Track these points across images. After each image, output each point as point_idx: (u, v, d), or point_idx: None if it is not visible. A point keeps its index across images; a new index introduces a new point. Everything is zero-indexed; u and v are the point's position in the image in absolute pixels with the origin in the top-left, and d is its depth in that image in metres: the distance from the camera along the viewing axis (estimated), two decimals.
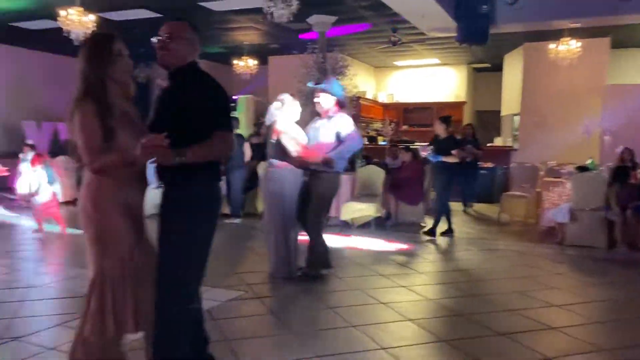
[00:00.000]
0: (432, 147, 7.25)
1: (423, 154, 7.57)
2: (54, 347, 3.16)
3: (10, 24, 10.77)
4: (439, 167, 7.16)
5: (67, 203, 9.65)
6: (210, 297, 4.16)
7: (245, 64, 12.77)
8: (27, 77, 13.19)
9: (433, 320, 3.88)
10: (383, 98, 15.20)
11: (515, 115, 12.61)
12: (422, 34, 10.40)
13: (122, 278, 2.45)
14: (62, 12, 8.40)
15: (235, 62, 12.77)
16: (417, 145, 12.24)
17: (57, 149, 12.29)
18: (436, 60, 14.26)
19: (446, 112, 14.49)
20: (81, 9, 8.54)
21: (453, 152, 7.01)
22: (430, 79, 14.92)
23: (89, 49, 2.48)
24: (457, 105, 14.51)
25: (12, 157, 11.27)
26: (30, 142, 9.97)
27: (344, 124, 4.78)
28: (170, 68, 2.56)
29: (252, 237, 7.18)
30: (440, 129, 7.26)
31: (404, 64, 14.78)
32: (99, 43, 2.50)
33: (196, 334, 2.68)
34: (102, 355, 2.44)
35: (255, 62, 12.85)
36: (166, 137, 2.20)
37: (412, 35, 10.95)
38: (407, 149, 8.74)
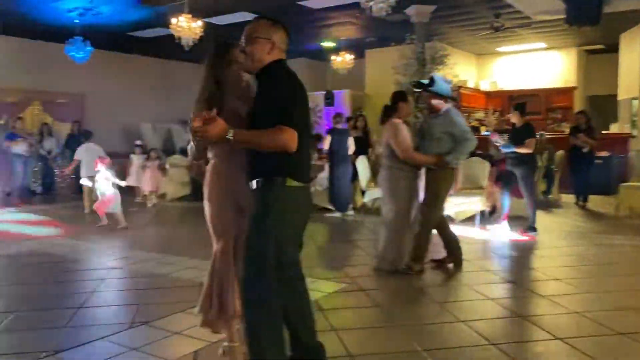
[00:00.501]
0: (505, 136, 6.84)
1: (493, 140, 7.02)
2: (180, 331, 3.43)
3: (127, 33, 11.71)
4: (518, 158, 6.64)
5: (180, 199, 10.35)
6: (316, 288, 4.30)
7: (343, 59, 12.89)
8: (143, 83, 14.25)
9: (545, 317, 3.72)
10: (485, 86, 14.66)
11: (634, 99, 11.61)
12: (527, 17, 9.91)
13: (228, 263, 2.75)
14: (173, 20, 9.01)
15: (332, 57, 12.94)
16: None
17: (170, 148, 13.19)
18: (542, 45, 13.50)
19: (555, 98, 13.76)
20: (189, 15, 9.10)
21: (526, 141, 6.50)
22: (536, 65, 14.16)
23: (209, 56, 2.81)
24: (566, 91, 13.65)
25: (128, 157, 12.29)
26: (138, 142, 10.79)
27: (456, 121, 4.73)
28: (253, 71, 2.58)
29: (355, 231, 7.28)
30: (515, 117, 6.81)
31: (508, 50, 14.14)
32: (217, 50, 2.81)
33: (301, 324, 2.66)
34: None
35: (352, 56, 12.93)
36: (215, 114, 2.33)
37: (516, 20, 10.46)
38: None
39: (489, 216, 7.67)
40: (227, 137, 2.34)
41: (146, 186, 9.88)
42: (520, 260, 5.52)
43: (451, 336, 3.37)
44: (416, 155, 4.79)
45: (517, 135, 6.68)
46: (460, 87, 12.52)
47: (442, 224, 5.10)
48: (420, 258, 4.89)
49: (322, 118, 13.91)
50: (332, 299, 4.13)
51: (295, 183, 2.47)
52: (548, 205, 9.21)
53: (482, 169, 7.64)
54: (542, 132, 11.23)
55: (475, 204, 7.29)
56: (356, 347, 3.15)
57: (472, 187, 7.51)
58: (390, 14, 7.82)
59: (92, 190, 8.38)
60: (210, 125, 2.31)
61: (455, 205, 7.39)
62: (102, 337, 3.35)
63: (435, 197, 4.84)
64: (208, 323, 2.86)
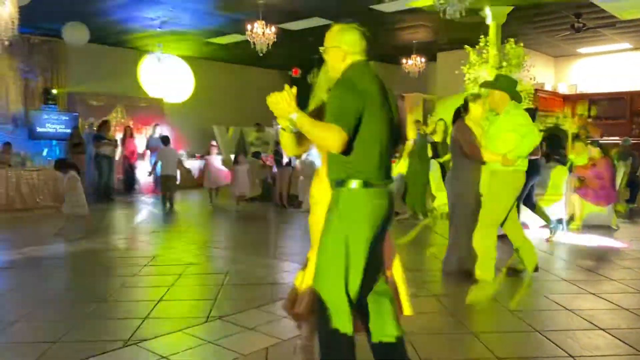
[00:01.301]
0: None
1: None
2: (253, 327, 3.53)
3: (205, 40, 12.17)
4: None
5: (250, 200, 10.60)
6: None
7: (414, 62, 12.77)
8: (218, 87, 14.75)
9: (629, 331, 3.52)
10: (564, 89, 14.03)
11: None
12: (612, 17, 9.42)
13: None
14: (248, 27, 9.29)
15: (403, 60, 12.84)
16: (607, 139, 11.13)
17: (242, 150, 13.55)
18: (627, 45, 12.75)
19: None
20: (263, 22, 9.35)
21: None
22: (620, 66, 13.38)
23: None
24: None
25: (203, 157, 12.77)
26: (214, 142, 11.22)
27: (519, 119, 4.60)
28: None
29: (425, 235, 7.19)
30: None
31: (589, 51, 13.46)
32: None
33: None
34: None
35: (424, 59, 12.78)
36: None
37: (599, 20, 9.96)
38: (595, 144, 7.98)
39: (567, 224, 7.36)
40: (291, 116, 2.38)
41: (237, 190, 9.80)
42: (601, 271, 5.25)
43: (527, 346, 3.26)
44: (482, 152, 4.70)
45: None
46: (537, 90, 12.05)
47: (513, 230, 4.92)
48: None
49: None
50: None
51: (364, 186, 2.45)
52: (632, 215, 8.69)
53: (561, 176, 7.32)
54: (626, 137, 10.63)
55: (554, 211, 6.99)
56: (428, 352, 3.12)
57: (550, 194, 7.21)
58: (465, 15, 7.68)
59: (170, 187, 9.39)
60: (284, 98, 2.38)
61: (530, 213, 7.13)
62: (180, 330, 3.51)
63: (497, 201, 4.69)
64: (295, 315, 2.87)
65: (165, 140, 9.92)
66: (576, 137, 9.52)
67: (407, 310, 2.84)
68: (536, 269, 4.91)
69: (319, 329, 2.54)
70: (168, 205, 9.40)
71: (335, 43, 2.57)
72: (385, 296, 2.63)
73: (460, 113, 5.04)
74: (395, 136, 2.59)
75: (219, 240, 6.94)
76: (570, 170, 7.51)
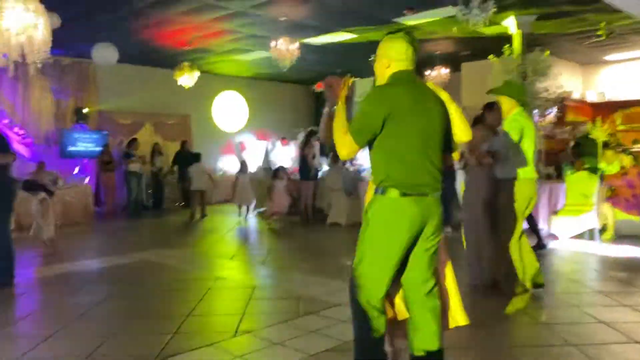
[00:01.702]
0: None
1: None
2: (281, 342, 3.53)
3: (231, 57, 12.36)
4: None
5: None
6: None
7: (438, 73, 12.72)
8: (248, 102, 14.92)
9: None
10: (592, 97, 13.78)
11: None
12: (638, 22, 9.25)
13: None
14: (272, 43, 9.40)
15: (427, 72, 12.81)
16: (636, 147, 10.88)
17: (267, 165, 13.62)
18: None
19: None
20: (288, 38, 9.44)
21: None
22: None
23: None
24: None
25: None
26: (243, 159, 11.36)
27: (512, 123, 4.60)
28: None
29: (451, 247, 7.10)
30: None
31: (617, 58, 13.23)
32: None
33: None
34: None
35: (447, 70, 12.73)
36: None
37: (627, 26, 9.79)
38: (627, 152, 7.81)
39: (599, 234, 7.20)
40: (335, 105, 2.57)
41: (276, 207, 9.51)
42: (636, 282, 5.10)
43: (560, 358, 3.18)
44: (477, 152, 4.63)
45: None
46: (564, 98, 11.87)
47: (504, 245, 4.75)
48: (507, 276, 4.68)
49: None
50: None
51: (394, 194, 2.49)
52: None
53: (591, 184, 7.18)
54: None
55: (585, 221, 6.84)
56: None
57: (581, 203, 7.07)
58: (488, 25, 7.65)
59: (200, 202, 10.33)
60: (339, 84, 2.55)
61: (562, 223, 7.00)
62: (210, 345, 3.53)
63: (504, 212, 4.63)
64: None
65: (197, 157, 10.90)
66: (606, 145, 9.33)
67: (462, 320, 2.90)
68: (540, 285, 4.74)
69: (358, 333, 2.61)
70: (198, 216, 10.31)
71: (380, 52, 2.65)
72: (433, 310, 2.63)
73: (476, 121, 4.99)
74: (441, 143, 2.58)
75: (246, 254, 6.98)
76: (602, 179, 7.36)
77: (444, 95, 2.78)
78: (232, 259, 6.59)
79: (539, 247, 6.34)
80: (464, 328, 3.81)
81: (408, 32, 2.63)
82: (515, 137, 4.58)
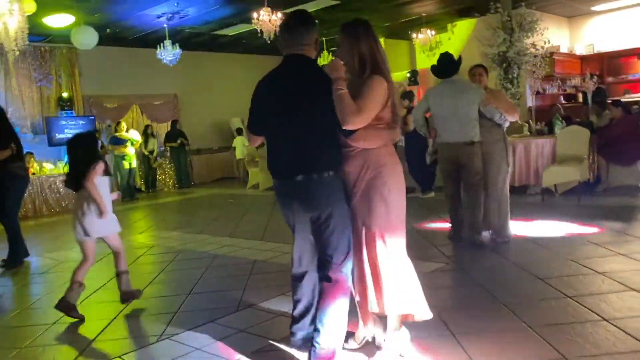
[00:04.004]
0: None
1: None
2: (284, 313, 3.55)
3: (213, 32, 12.16)
4: None
5: (270, 189, 10.59)
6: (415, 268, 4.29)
7: (425, 35, 12.58)
8: (230, 79, 14.74)
9: None
10: (580, 50, 13.69)
11: None
12: None
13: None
14: (254, 15, 9.23)
15: (414, 35, 12.67)
16: (628, 98, 10.86)
17: None
18: None
19: None
20: (269, 9, 9.28)
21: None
22: (637, 22, 12.99)
23: None
24: None
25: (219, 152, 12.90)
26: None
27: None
28: None
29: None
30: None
31: (604, 8, 13.08)
32: None
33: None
34: None
35: (434, 32, 12.59)
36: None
37: None
38: (616, 103, 7.80)
39: (593, 187, 7.24)
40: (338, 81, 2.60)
41: None
42: (630, 231, 5.15)
43: (559, 313, 3.23)
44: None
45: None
46: (552, 53, 11.79)
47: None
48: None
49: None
50: (430, 279, 4.10)
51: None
52: None
53: (582, 138, 7.17)
54: None
55: (576, 174, 6.86)
56: (460, 327, 3.11)
57: (572, 157, 7.08)
58: None
59: None
60: (334, 65, 2.57)
61: (554, 176, 7.04)
62: (212, 320, 3.55)
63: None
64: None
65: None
66: (596, 98, 9.31)
67: (374, 307, 2.71)
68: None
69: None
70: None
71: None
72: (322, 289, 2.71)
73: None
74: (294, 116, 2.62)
75: (244, 230, 6.98)
76: (593, 131, 7.36)
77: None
78: (228, 236, 6.58)
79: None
80: (460, 289, 3.88)
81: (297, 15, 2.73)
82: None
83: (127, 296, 4.01)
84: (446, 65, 4.99)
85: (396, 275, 2.66)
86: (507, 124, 5.00)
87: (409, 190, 8.24)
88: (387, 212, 2.65)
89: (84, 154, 3.85)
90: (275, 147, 2.71)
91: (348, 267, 2.69)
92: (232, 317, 3.60)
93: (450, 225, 5.29)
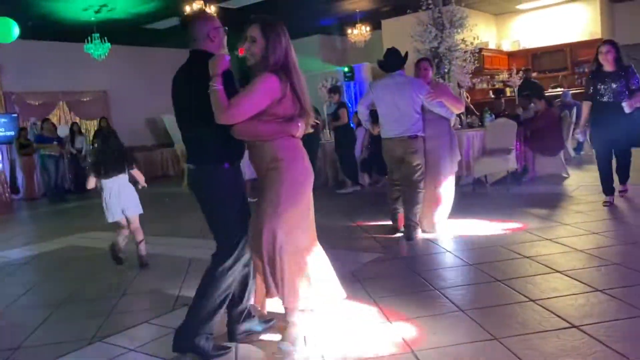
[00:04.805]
0: None
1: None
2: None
3: (142, 26, 11.77)
4: None
5: None
6: (352, 259, 4.34)
7: (359, 32, 12.74)
8: (162, 74, 14.31)
9: (585, 271, 3.66)
10: (507, 46, 14.31)
11: None
12: None
13: None
14: (187, 8, 9.02)
15: (349, 31, 12.80)
16: (551, 92, 11.42)
17: None
18: None
19: (581, 52, 13.36)
20: (202, 2, 9.09)
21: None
22: (559, 19, 13.71)
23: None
24: (592, 44, 13.14)
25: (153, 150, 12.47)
26: None
27: None
28: None
29: (379, 202, 7.26)
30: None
31: (528, 7, 13.73)
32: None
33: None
34: None
35: (369, 28, 12.76)
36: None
37: None
38: (540, 97, 8.19)
39: (520, 176, 7.56)
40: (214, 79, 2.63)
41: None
42: (555, 217, 5.43)
43: (489, 295, 3.36)
44: None
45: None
46: (481, 49, 12.24)
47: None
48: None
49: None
50: (368, 269, 4.16)
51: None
52: (581, 163, 9.06)
53: (510, 129, 7.48)
54: (565, 91, 10.94)
55: (504, 164, 7.15)
56: (396, 313, 3.17)
57: (501, 148, 7.37)
58: None
59: None
60: (214, 61, 2.64)
61: (484, 167, 7.30)
62: (147, 321, 3.45)
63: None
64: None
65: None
66: (521, 92, 9.75)
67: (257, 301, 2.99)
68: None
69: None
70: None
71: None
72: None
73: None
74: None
75: (179, 229, 6.82)
76: (520, 124, 7.69)
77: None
78: (165, 234, 6.41)
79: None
80: (399, 278, 3.95)
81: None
82: None
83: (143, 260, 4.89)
84: (393, 60, 5.03)
85: (289, 268, 2.70)
86: (453, 117, 5.10)
87: (341, 185, 8.42)
88: (277, 205, 2.67)
89: (115, 144, 4.73)
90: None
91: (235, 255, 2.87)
92: (168, 317, 3.50)
93: (391, 219, 5.35)
